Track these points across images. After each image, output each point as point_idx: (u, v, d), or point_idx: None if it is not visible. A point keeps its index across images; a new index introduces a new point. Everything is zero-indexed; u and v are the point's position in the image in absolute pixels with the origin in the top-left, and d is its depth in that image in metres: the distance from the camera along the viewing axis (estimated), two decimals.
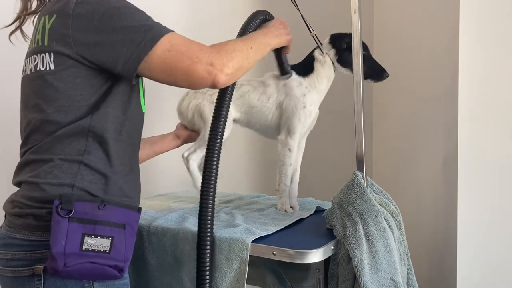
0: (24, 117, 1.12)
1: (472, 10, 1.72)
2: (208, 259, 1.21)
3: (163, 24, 1.07)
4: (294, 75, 1.54)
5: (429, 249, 2.00)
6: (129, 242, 1.05)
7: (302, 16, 1.50)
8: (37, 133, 1.07)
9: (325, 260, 1.24)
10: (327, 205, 1.51)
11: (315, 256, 1.18)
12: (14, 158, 1.17)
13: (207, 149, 1.22)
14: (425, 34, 2.05)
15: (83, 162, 1.06)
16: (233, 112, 1.56)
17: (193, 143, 1.59)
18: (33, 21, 1.21)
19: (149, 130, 1.42)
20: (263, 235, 1.26)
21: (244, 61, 1.12)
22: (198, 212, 1.22)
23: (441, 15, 1.89)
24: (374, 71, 1.52)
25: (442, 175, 1.90)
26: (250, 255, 1.20)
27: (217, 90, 1.50)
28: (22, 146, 1.12)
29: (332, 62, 1.55)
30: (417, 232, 2.00)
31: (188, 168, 1.57)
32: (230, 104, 1.23)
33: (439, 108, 1.92)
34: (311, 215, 1.50)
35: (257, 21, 1.29)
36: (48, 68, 1.04)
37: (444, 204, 1.89)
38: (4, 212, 1.12)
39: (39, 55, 1.06)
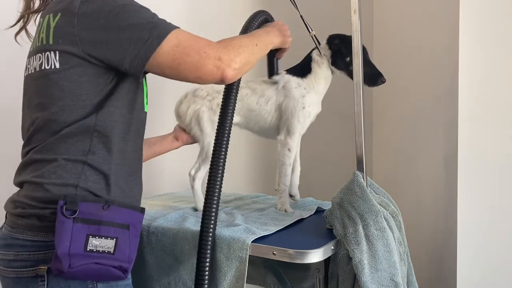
0: (27, 116, 1.12)
1: (472, 10, 1.72)
2: (208, 258, 1.21)
3: None
4: (292, 77, 1.54)
5: (429, 249, 2.00)
6: (133, 242, 1.05)
7: (301, 16, 1.50)
8: (41, 132, 1.07)
9: (325, 260, 1.24)
10: (327, 205, 1.52)
11: (315, 256, 1.18)
12: (14, 158, 1.17)
13: (212, 155, 1.23)
14: (425, 34, 2.05)
15: (87, 163, 1.05)
16: None
17: (196, 158, 1.59)
18: (35, 20, 1.21)
19: (149, 130, 1.42)
20: (263, 235, 1.26)
21: (250, 56, 1.13)
22: (198, 212, 1.22)
23: (441, 15, 1.89)
24: (369, 75, 1.47)
25: (442, 175, 1.90)
26: (250, 255, 1.20)
27: (217, 96, 1.50)
28: (24, 145, 1.12)
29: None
30: (417, 232, 2.00)
31: (192, 187, 1.58)
32: (234, 111, 1.25)
33: (439, 108, 1.92)
34: (311, 215, 1.51)
35: (259, 20, 1.31)
36: (53, 67, 1.04)
37: (444, 204, 1.89)
38: (5, 212, 1.12)
39: (43, 53, 1.06)
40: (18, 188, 1.11)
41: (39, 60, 1.07)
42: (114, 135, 1.08)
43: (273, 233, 1.29)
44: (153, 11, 1.07)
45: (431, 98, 2.00)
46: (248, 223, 1.37)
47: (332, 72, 1.56)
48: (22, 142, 1.13)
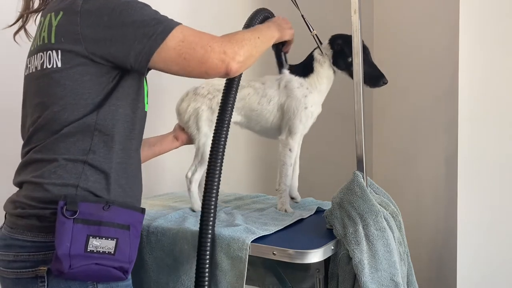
0: (27, 115, 1.12)
1: (472, 10, 1.72)
2: (207, 258, 1.21)
3: None
4: (295, 77, 1.54)
5: (429, 249, 2.00)
6: (134, 243, 1.05)
7: (302, 15, 1.50)
8: (41, 131, 1.06)
9: (325, 260, 1.24)
10: (327, 205, 1.52)
11: (315, 256, 1.18)
12: (14, 158, 1.17)
13: (210, 152, 1.23)
14: (425, 34, 2.05)
15: (88, 162, 1.05)
16: (233, 115, 1.55)
17: (192, 160, 1.58)
18: (35, 20, 1.21)
19: (149, 130, 1.42)
20: (263, 235, 1.26)
21: (253, 49, 1.15)
22: (198, 212, 1.22)
23: (441, 15, 1.88)
24: (370, 76, 1.46)
25: (442, 175, 1.90)
26: (250, 255, 1.20)
27: (217, 94, 1.50)
28: (24, 145, 1.11)
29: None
30: (417, 232, 2.00)
31: (188, 189, 1.57)
32: (233, 109, 1.25)
33: (439, 108, 1.92)
34: (311, 215, 1.50)
35: (261, 17, 1.34)
36: (55, 66, 1.04)
37: (444, 204, 1.89)
38: (4, 212, 1.11)
39: (45, 52, 1.06)
40: (18, 188, 1.11)
41: (41, 59, 1.06)
42: (116, 134, 1.08)
43: (273, 233, 1.29)
44: None
45: (431, 98, 2.00)
46: (248, 223, 1.37)
47: (334, 71, 1.56)
48: (22, 142, 1.13)
